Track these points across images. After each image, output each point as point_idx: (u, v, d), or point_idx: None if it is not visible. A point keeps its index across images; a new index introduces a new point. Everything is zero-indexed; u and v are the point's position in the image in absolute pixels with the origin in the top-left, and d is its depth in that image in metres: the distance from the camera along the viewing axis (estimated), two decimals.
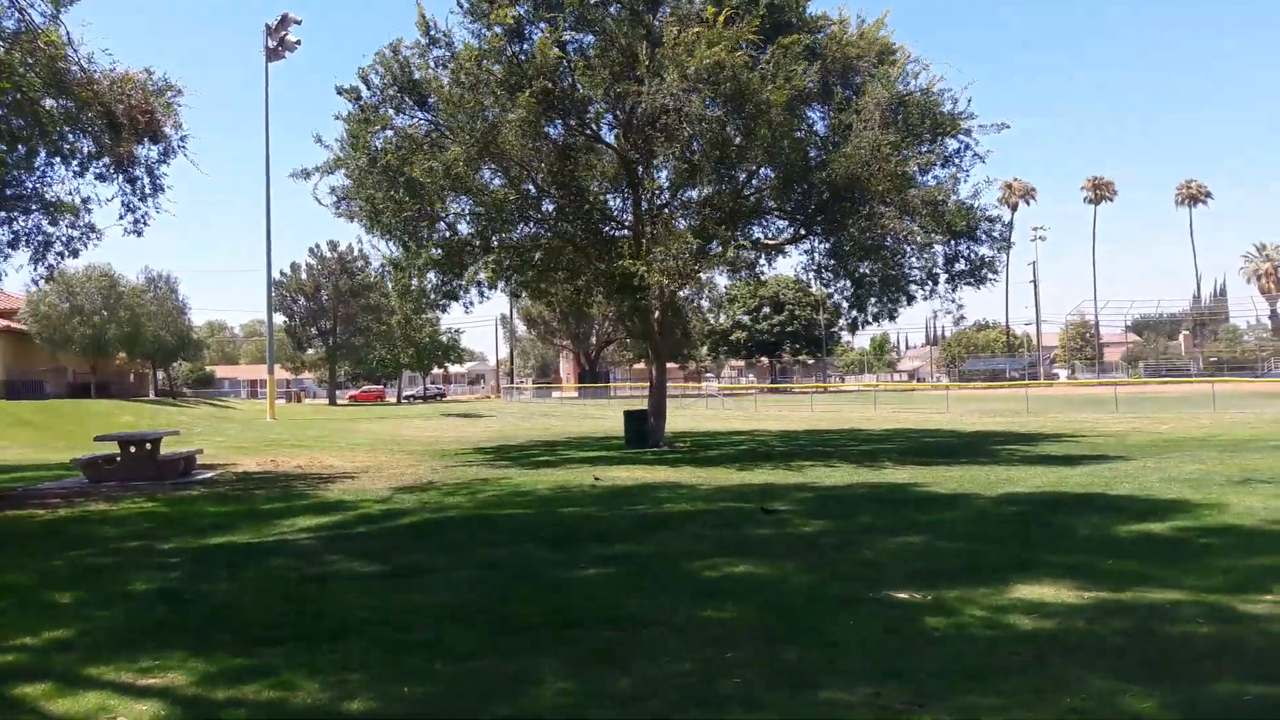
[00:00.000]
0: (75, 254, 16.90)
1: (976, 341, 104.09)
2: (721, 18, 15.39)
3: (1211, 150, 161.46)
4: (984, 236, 18.79)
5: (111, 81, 14.23)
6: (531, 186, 18.55)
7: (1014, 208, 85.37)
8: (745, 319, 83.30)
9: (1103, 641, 4.70)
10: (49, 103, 13.84)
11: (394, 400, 77.26)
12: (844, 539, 7.84)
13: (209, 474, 15.02)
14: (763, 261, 22.25)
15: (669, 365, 28.06)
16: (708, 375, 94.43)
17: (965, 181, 18.88)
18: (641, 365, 65.23)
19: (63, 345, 46.27)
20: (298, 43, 41.69)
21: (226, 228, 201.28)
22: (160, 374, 63.18)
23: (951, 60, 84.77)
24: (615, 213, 20.00)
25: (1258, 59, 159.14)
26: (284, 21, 41.53)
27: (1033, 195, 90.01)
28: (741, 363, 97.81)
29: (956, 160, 18.12)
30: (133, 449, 14.29)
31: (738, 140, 16.27)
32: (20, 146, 14.45)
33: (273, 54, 41.79)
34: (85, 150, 15.14)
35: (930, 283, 19.19)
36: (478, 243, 18.87)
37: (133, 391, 54.27)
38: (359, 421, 38.42)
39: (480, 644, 4.91)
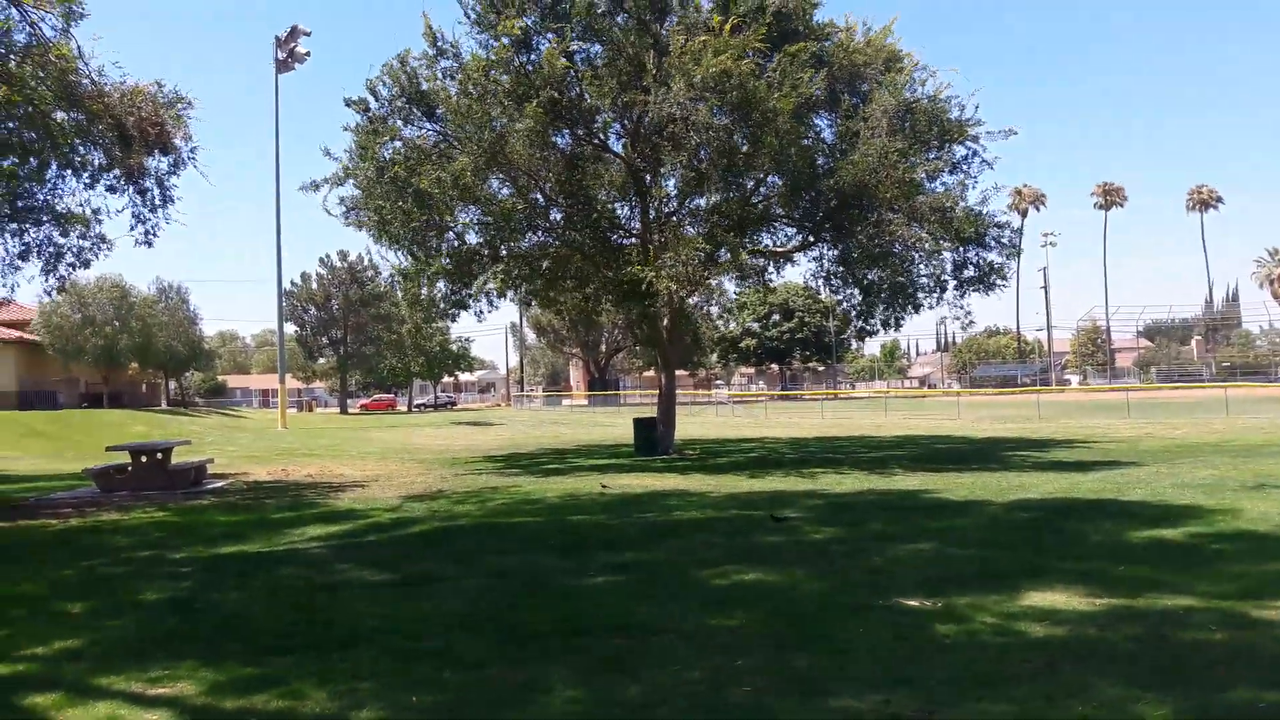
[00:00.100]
0: (86, 265, 17.07)
1: (988, 348, 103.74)
2: (728, 26, 15.44)
3: (1222, 155, 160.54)
4: (993, 243, 18.79)
5: (122, 94, 14.36)
6: (539, 196, 18.60)
7: (1024, 214, 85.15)
8: (755, 326, 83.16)
9: (1115, 648, 4.67)
10: (60, 115, 13.98)
11: (405, 409, 77.46)
12: (854, 546, 7.82)
13: (220, 483, 15.08)
14: (771, 269, 22.24)
15: (679, 372, 28.07)
16: (718, 382, 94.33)
17: (973, 188, 18.93)
18: (651, 373, 65.20)
19: (75, 356, 46.56)
20: (307, 54, 41.95)
21: (236, 238, 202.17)
22: (172, 384, 63.50)
23: (959, 66, 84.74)
24: (623, 221, 20.04)
25: (1267, 64, 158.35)
26: (293, 33, 41.81)
27: (1043, 201, 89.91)
28: (751, 370, 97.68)
29: (964, 167, 18.16)
30: (144, 459, 14.36)
31: (745, 148, 16.31)
32: (32, 159, 14.60)
33: (282, 66, 42.07)
34: (96, 162, 15.27)
35: (939, 290, 19.17)
36: (486, 252, 18.93)
37: (145, 401, 54.56)
38: (370, 430, 38.50)
39: (489, 652, 4.91)
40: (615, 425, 35.25)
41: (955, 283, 19.11)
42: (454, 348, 72.70)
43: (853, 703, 4.00)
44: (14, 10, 12.92)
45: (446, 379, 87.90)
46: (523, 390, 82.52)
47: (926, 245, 17.93)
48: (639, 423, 20.66)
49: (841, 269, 19.96)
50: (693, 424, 34.46)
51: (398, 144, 17.62)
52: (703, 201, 18.71)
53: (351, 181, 18.05)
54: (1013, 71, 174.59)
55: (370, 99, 17.58)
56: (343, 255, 66.04)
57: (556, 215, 19.03)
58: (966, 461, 16.40)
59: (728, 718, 3.91)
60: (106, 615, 6.10)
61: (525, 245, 19.27)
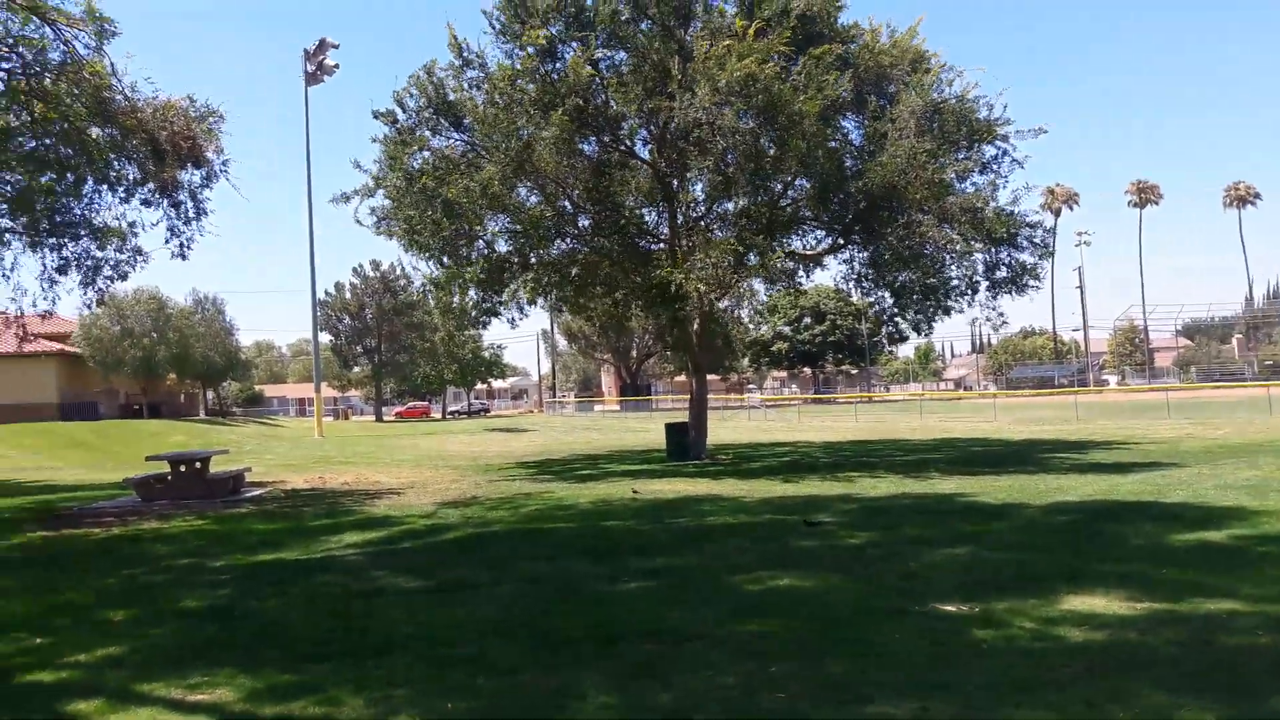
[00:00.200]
0: (124, 277, 17.43)
1: (1023, 349, 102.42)
2: (752, 30, 15.42)
3: (1259, 151, 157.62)
4: (1025, 243, 18.54)
5: (154, 109, 14.64)
6: (567, 203, 18.68)
7: (1057, 213, 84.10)
8: (786, 329, 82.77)
9: (1156, 653, 4.59)
10: (95, 131, 14.29)
11: (439, 416, 77.96)
12: (889, 550, 7.75)
13: (258, 491, 15.26)
14: (801, 272, 22.14)
15: (710, 377, 28.00)
16: (750, 386, 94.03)
17: (1004, 188, 18.66)
18: (683, 377, 65.11)
19: (114, 367, 47.39)
20: (336, 66, 42.51)
21: (270, 249, 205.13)
22: (210, 394, 64.45)
23: (987, 66, 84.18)
24: (651, 227, 20.07)
25: None
26: (322, 46, 42.37)
27: (1075, 200, 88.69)
28: (784, 373, 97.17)
29: (994, 167, 17.93)
30: (183, 468, 14.55)
31: (772, 152, 16.25)
32: (69, 174, 14.92)
33: (311, 78, 42.64)
34: (131, 177, 15.60)
35: (971, 291, 18.97)
36: (516, 260, 19.03)
37: (183, 411, 55.39)
38: (405, 437, 38.81)
39: (523, 658, 4.92)
40: (647, 430, 35.26)
41: (988, 284, 18.89)
42: (486, 355, 73.13)
43: (889, 709, 3.96)
44: (48, 29, 13.22)
45: (479, 386, 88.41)
46: (555, 396, 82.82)
47: (958, 246, 17.75)
48: (670, 428, 20.65)
49: (872, 271, 19.82)
50: (725, 428, 34.38)
51: (426, 154, 17.79)
52: (730, 205, 18.68)
53: (381, 192, 18.24)
54: (1043, 70, 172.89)
55: (398, 110, 17.77)
56: (375, 265, 66.82)
57: (585, 222, 19.10)
58: (1003, 464, 16.20)
59: None
60: (148, 623, 6.20)
61: (554, 252, 19.36)
